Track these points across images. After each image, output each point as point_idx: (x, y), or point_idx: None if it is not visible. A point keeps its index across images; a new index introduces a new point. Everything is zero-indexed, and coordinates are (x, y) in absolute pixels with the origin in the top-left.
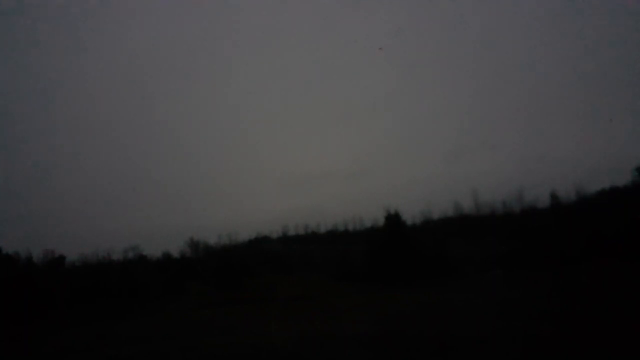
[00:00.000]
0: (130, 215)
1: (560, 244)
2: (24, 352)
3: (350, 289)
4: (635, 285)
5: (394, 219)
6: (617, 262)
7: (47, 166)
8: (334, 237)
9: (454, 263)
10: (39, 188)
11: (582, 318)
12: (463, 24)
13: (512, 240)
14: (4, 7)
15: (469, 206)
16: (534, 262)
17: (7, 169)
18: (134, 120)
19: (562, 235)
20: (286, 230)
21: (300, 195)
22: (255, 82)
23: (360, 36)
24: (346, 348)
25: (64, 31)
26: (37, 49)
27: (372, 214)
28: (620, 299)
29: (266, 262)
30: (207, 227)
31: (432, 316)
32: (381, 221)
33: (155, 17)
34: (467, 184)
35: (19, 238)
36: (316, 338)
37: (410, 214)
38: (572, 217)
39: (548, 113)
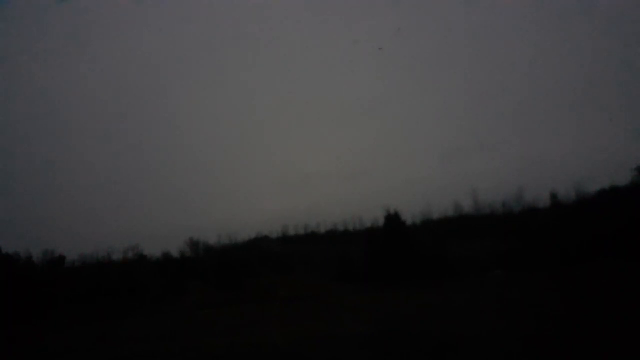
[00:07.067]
0: (130, 215)
1: (560, 244)
2: (24, 352)
3: (350, 289)
4: (635, 285)
5: (393, 219)
6: (617, 262)
7: (47, 166)
8: (334, 237)
9: (453, 263)
10: (39, 188)
11: (582, 318)
12: (463, 24)
13: (512, 240)
14: (9, 8)
15: (469, 206)
16: (534, 262)
17: (8, 168)
18: (134, 120)
19: (562, 235)
20: (286, 230)
21: (300, 195)
22: (255, 83)
23: (360, 36)
24: (346, 348)
25: (65, 30)
26: (37, 48)
27: (372, 214)
28: (620, 299)
29: (266, 262)
30: (207, 227)
31: (432, 316)
32: (381, 221)
33: (156, 17)
34: (467, 184)
35: (19, 238)
36: (316, 338)
37: (410, 214)
38: (572, 217)
39: (547, 113)
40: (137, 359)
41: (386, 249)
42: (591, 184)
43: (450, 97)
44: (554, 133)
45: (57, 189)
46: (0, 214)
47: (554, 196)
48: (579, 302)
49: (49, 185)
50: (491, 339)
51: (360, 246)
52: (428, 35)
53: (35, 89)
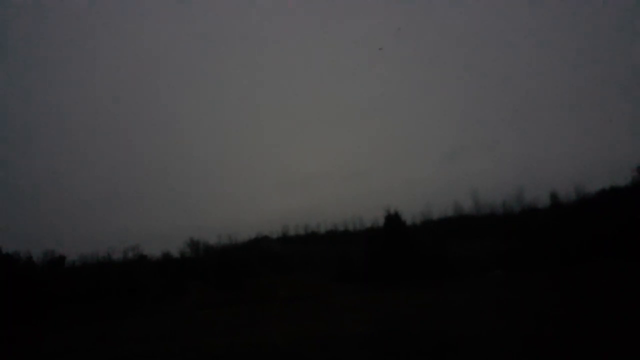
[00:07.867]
0: (130, 215)
1: (560, 244)
2: (24, 352)
3: (350, 289)
4: (635, 285)
5: (393, 219)
6: (617, 262)
7: (48, 166)
8: (334, 237)
9: (453, 263)
10: (39, 188)
11: (582, 318)
12: (463, 24)
13: (512, 240)
14: (10, 6)
15: (469, 206)
16: (534, 262)
17: (8, 169)
18: (134, 120)
19: (562, 235)
20: (286, 230)
21: (300, 195)
22: (255, 83)
23: (360, 36)
24: (346, 348)
25: (65, 31)
26: (38, 49)
27: (372, 214)
28: (620, 299)
29: (266, 262)
30: (207, 227)
31: (432, 316)
32: (381, 221)
33: (156, 17)
34: (467, 184)
35: (19, 238)
36: (316, 338)
37: (410, 214)
38: (572, 217)
39: (547, 113)
40: (137, 359)
41: (386, 249)
42: (591, 184)
43: (450, 97)
44: (554, 133)
45: (57, 189)
46: (0, 214)
47: (554, 196)
48: (579, 302)
49: (49, 185)
50: (491, 339)
51: (360, 246)
52: (428, 35)
53: (35, 89)
